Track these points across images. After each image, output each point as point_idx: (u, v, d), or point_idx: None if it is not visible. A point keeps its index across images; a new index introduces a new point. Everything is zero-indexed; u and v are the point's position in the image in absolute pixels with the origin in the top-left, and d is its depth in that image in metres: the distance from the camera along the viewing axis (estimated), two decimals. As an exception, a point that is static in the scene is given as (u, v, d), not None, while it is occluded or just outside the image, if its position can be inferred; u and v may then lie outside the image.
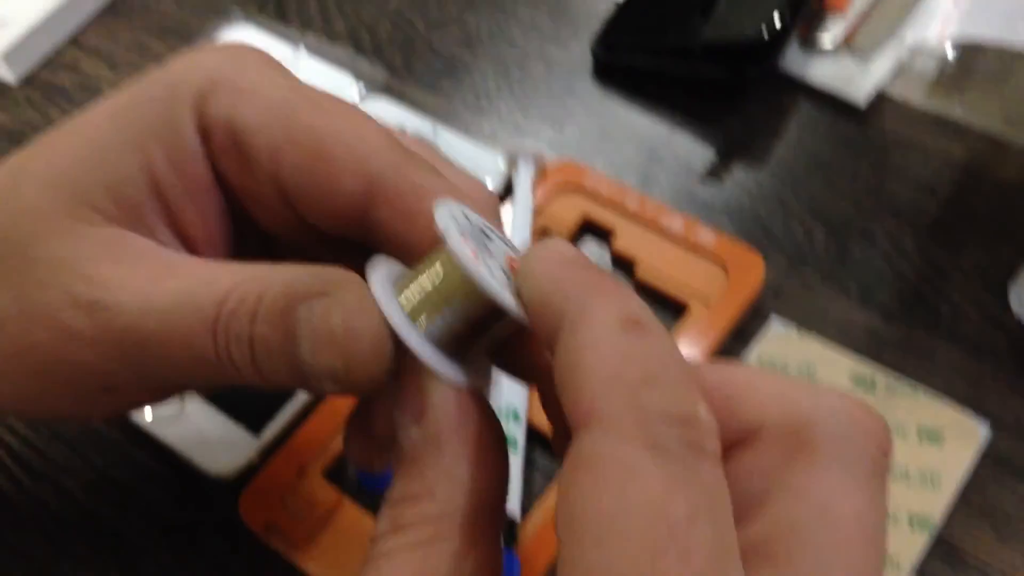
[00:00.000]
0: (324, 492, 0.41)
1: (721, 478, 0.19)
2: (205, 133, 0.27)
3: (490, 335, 0.23)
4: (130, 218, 0.27)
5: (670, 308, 0.46)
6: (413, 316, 0.22)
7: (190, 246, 0.29)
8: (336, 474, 0.43)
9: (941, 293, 0.45)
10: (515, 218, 0.47)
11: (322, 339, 0.23)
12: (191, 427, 0.43)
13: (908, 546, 0.39)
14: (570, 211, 0.48)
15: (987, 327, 0.44)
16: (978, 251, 0.46)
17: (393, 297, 0.23)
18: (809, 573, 0.19)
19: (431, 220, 0.23)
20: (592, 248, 0.48)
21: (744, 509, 0.21)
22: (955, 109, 0.50)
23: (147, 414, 0.44)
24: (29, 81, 0.58)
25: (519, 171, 0.49)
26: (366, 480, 0.42)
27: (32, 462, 0.44)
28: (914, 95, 0.51)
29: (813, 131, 0.51)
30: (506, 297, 0.21)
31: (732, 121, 0.52)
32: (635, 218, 0.47)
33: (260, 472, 0.42)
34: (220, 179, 0.28)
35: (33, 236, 0.26)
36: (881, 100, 0.52)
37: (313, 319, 0.23)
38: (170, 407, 0.44)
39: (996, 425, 0.41)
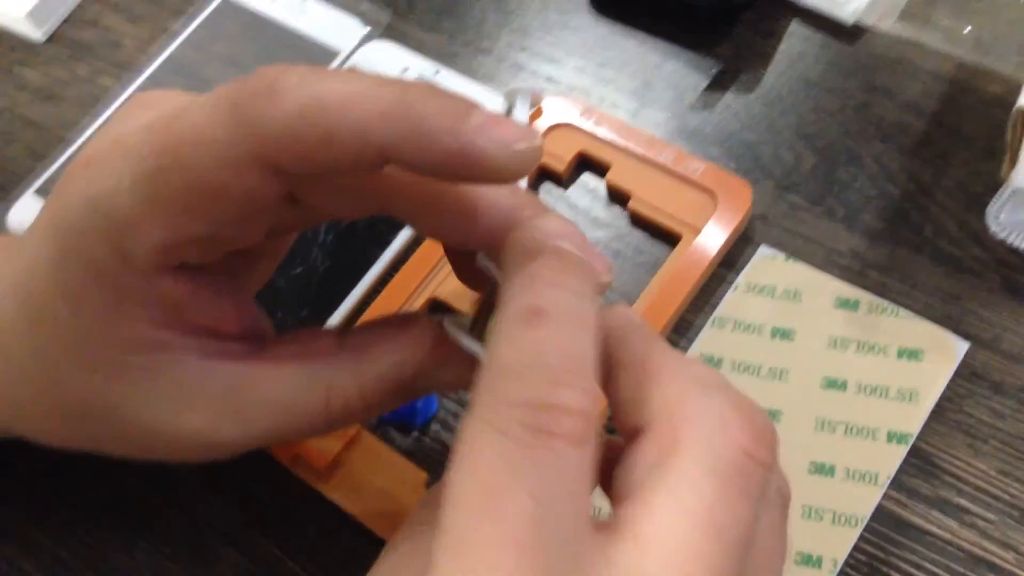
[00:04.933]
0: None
1: (566, 458, 0.21)
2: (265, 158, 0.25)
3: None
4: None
5: (664, 239, 0.47)
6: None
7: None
8: None
9: (925, 212, 0.45)
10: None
11: (446, 388, 0.31)
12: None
13: (886, 458, 0.40)
14: (567, 147, 0.49)
15: (968, 245, 0.44)
16: (962, 170, 0.46)
17: (480, 345, 0.27)
18: (652, 554, 0.21)
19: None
20: (588, 183, 0.49)
21: (622, 496, 0.23)
22: (927, 34, 0.49)
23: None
24: (54, 38, 0.59)
25: (516, 109, 0.49)
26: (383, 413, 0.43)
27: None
28: (887, 21, 0.50)
29: (802, 55, 0.51)
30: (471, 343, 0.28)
31: (723, 49, 0.52)
32: (629, 151, 0.47)
33: None
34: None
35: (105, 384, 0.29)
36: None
37: (434, 384, 0.30)
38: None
39: (973, 341, 0.42)
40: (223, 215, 0.25)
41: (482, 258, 0.28)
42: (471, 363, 0.27)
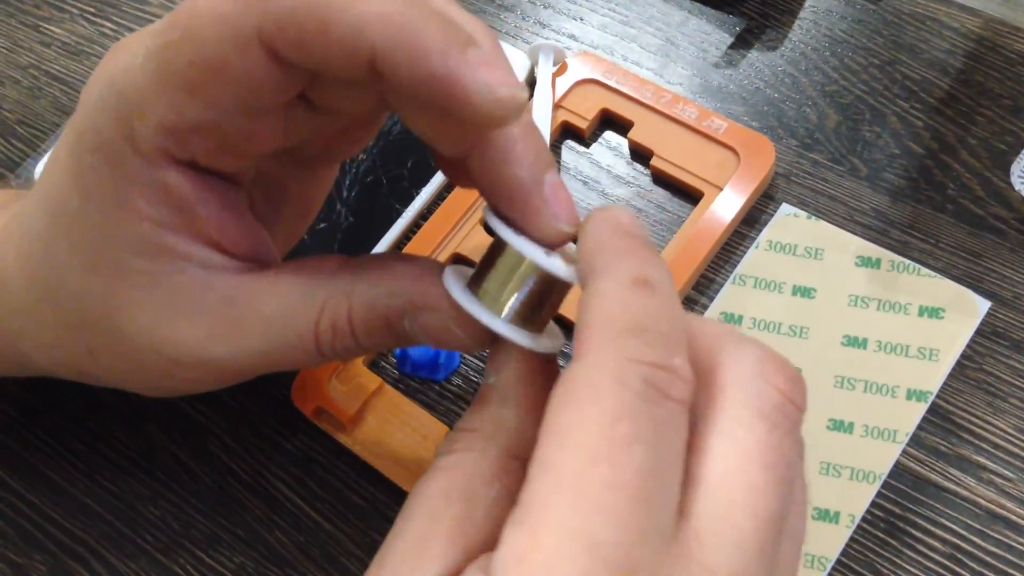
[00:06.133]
0: (366, 379, 0.43)
1: (676, 419, 0.21)
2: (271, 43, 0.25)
3: (554, 299, 0.27)
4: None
5: (686, 197, 0.46)
6: (487, 300, 0.27)
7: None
8: (376, 364, 0.45)
9: (949, 171, 0.45)
10: (536, 113, 0.47)
11: (431, 337, 0.28)
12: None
13: (905, 416, 0.40)
14: (590, 104, 0.48)
15: (991, 204, 0.44)
16: (987, 128, 0.46)
17: (467, 290, 0.27)
18: (720, 497, 0.22)
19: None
20: (611, 140, 0.48)
21: None
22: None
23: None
24: (82, -5, 0.58)
25: (540, 67, 0.49)
26: (405, 367, 0.44)
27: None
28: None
29: (828, 12, 0.50)
30: (561, 268, 0.26)
31: (748, 6, 0.51)
32: (652, 109, 0.47)
33: None
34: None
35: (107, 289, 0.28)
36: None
37: (419, 326, 0.28)
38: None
39: (995, 300, 0.41)
40: (225, 98, 0.25)
41: (489, 217, 0.28)
42: (463, 316, 0.27)
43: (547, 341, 0.27)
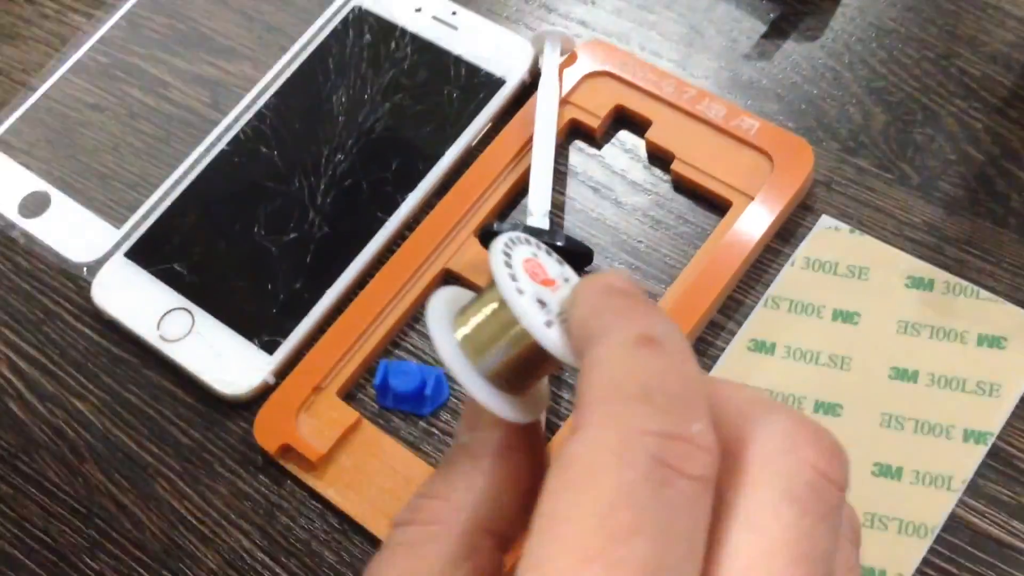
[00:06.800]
0: (341, 412, 0.43)
1: (692, 501, 0.21)
2: None
3: (544, 368, 0.26)
4: None
5: (711, 206, 0.46)
6: (469, 350, 0.26)
7: None
8: (353, 395, 0.45)
9: (1012, 180, 0.45)
10: (540, 109, 0.47)
11: None
12: (203, 346, 0.46)
13: (961, 460, 0.40)
14: (603, 99, 0.49)
15: (1062, 219, 0.44)
16: (1058, 132, 0.46)
17: (450, 333, 0.26)
18: None
19: None
20: (626, 141, 0.49)
21: None
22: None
23: (156, 333, 0.46)
24: (18, -30, 0.59)
25: (545, 57, 0.49)
26: (386, 399, 0.44)
27: (43, 385, 0.47)
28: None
29: (875, -3, 0.50)
30: (550, 337, 0.25)
31: (784, -12, 0.51)
32: (673, 106, 0.47)
33: (274, 393, 0.44)
34: None
35: None
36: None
37: None
38: (180, 325, 0.46)
39: (1065, 328, 0.41)
40: None
41: (495, 259, 0.27)
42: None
43: (532, 405, 0.27)
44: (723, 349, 0.43)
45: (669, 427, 0.21)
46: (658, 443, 0.21)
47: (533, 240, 0.27)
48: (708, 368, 0.43)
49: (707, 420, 0.22)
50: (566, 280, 0.27)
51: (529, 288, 0.25)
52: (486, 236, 0.45)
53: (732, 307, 0.44)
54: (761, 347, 0.43)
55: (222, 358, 0.46)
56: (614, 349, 0.23)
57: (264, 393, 0.45)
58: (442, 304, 0.27)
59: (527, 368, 0.26)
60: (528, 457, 0.26)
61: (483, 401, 0.25)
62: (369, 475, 0.42)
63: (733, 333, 0.43)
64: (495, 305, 0.26)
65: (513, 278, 0.25)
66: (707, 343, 0.44)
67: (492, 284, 0.26)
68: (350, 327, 0.45)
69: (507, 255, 0.26)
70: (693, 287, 0.43)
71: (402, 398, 0.44)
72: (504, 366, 0.26)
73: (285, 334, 0.46)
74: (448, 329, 0.26)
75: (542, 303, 0.25)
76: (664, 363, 0.22)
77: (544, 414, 0.27)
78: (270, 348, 0.46)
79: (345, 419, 0.43)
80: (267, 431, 0.43)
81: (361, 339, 0.45)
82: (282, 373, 0.45)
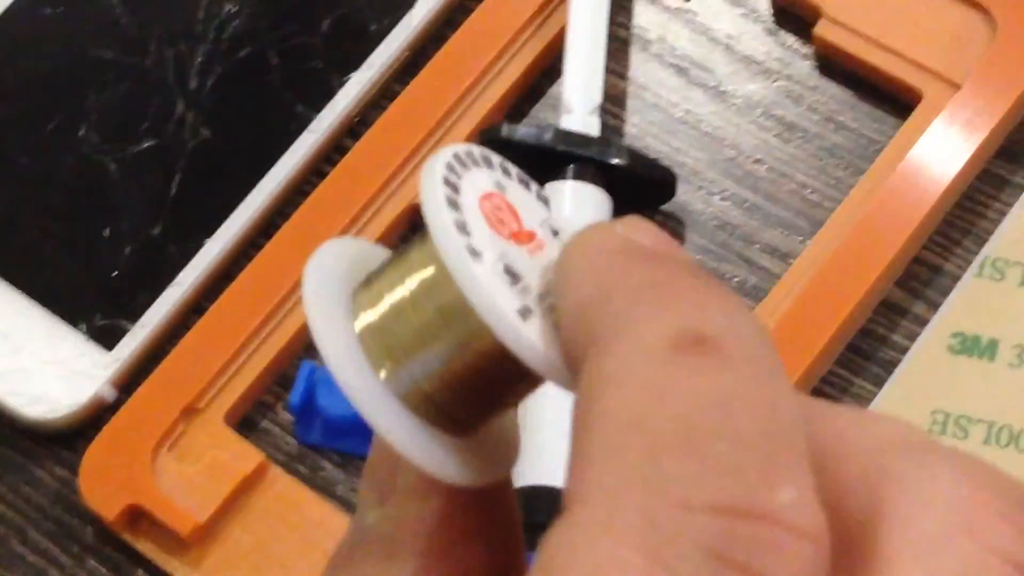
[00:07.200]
0: (232, 452, 0.39)
1: None
2: None
3: (512, 390, 0.21)
4: None
5: (884, 100, 0.41)
6: (378, 352, 0.20)
7: None
8: (254, 424, 0.40)
9: None
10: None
11: None
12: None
13: None
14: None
15: None
16: None
17: (343, 319, 0.21)
18: None
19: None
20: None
21: None
22: None
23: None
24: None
25: None
26: (310, 432, 0.40)
27: None
28: None
29: None
30: (526, 336, 0.19)
31: None
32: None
33: (115, 417, 0.39)
34: None
35: None
36: None
37: None
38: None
39: None
40: None
41: (427, 194, 0.20)
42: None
43: (492, 454, 0.22)
44: (906, 350, 0.39)
45: (736, 498, 0.15)
46: (717, 527, 0.15)
47: (499, 160, 0.20)
48: (875, 383, 0.38)
49: (806, 481, 0.16)
50: (555, 234, 0.21)
51: (490, 247, 0.20)
52: (490, 147, 0.37)
53: (922, 275, 0.39)
54: (974, 346, 0.38)
55: (23, 356, 0.40)
56: (636, 359, 0.17)
57: (97, 417, 0.39)
58: (333, 266, 0.21)
59: (483, 389, 0.21)
60: (485, 552, 0.21)
61: (402, 446, 0.20)
62: (277, 550, 0.37)
63: (925, 322, 0.38)
64: (429, 273, 0.20)
65: (462, 228, 0.19)
66: (878, 340, 0.39)
67: (423, 236, 0.20)
68: (245, 306, 0.41)
69: (452, 186, 0.20)
70: (851, 243, 0.38)
71: (338, 427, 0.39)
72: (442, 385, 0.20)
73: (133, 316, 0.40)
74: (340, 312, 0.21)
75: (512, 274, 0.19)
76: (726, 382, 0.17)
77: (514, 470, 0.23)
78: (107, 340, 0.40)
79: (240, 464, 0.38)
80: (102, 483, 0.38)
81: (265, 327, 0.40)
82: (129, 383, 0.40)
